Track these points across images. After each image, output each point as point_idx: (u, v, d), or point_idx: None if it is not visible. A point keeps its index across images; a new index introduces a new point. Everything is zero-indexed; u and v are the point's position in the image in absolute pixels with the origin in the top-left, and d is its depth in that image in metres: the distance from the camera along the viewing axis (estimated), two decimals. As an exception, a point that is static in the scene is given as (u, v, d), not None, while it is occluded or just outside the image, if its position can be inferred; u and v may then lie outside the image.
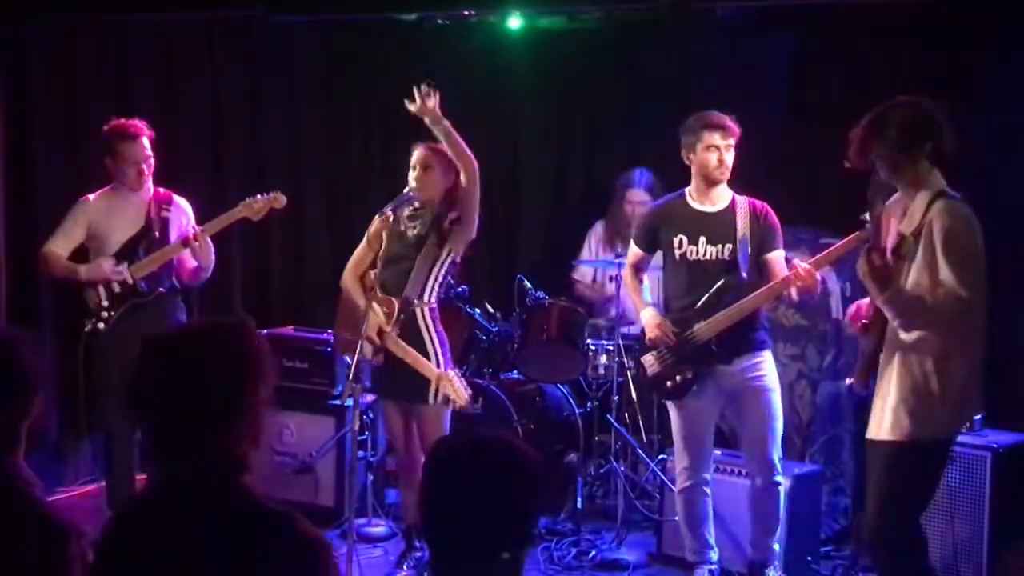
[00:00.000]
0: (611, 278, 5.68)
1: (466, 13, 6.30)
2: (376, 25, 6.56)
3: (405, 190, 4.60)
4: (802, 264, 4.29)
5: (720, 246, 4.51)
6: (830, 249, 4.33)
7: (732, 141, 4.49)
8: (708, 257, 4.52)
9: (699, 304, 4.48)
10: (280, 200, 5.18)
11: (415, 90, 4.35)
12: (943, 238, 3.54)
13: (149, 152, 5.14)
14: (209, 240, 5.10)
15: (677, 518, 4.74)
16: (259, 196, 5.16)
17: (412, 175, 4.60)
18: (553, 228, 6.63)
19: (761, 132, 5.88)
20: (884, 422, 3.67)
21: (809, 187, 5.71)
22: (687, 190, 4.62)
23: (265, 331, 5.84)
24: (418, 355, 4.54)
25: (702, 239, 4.52)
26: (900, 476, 3.68)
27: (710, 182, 4.53)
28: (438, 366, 4.56)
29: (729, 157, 4.50)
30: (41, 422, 2.49)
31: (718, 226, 4.53)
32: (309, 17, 6.43)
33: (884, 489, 3.69)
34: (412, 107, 4.37)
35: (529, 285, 5.62)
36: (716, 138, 4.47)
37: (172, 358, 2.10)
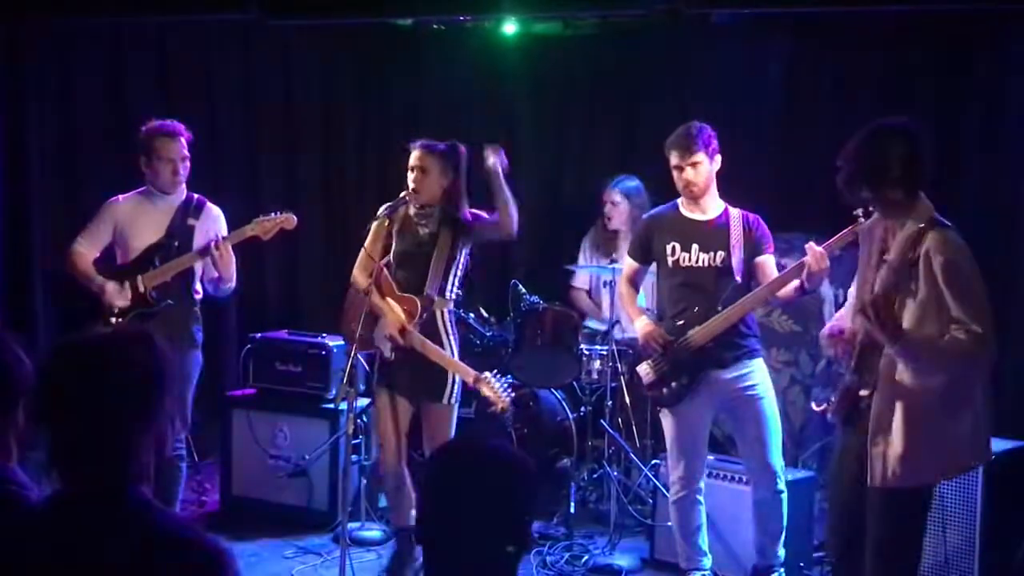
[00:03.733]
0: (605, 283, 5.69)
1: (462, 18, 6.32)
2: (372, 30, 6.57)
3: (403, 193, 4.59)
4: (816, 246, 4.18)
5: (712, 253, 4.51)
6: (827, 244, 4.33)
7: (698, 157, 4.44)
8: (701, 264, 4.52)
9: (694, 311, 4.49)
10: (291, 221, 5.06)
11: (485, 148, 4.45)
12: (949, 274, 3.33)
13: (186, 152, 5.01)
14: (231, 250, 4.97)
15: (670, 524, 4.75)
16: (273, 215, 5.05)
17: (410, 176, 4.58)
18: (548, 233, 6.63)
19: (755, 137, 5.93)
20: (890, 469, 3.41)
21: (803, 192, 5.72)
22: (679, 200, 4.63)
23: (260, 335, 5.85)
24: (445, 353, 4.51)
25: (695, 246, 4.52)
26: (904, 524, 3.49)
27: (687, 198, 4.55)
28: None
29: (695, 174, 4.46)
30: (31, 426, 2.45)
31: (711, 234, 4.53)
32: (305, 22, 6.44)
33: (889, 541, 3.47)
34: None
35: (523, 290, 5.63)
36: (674, 158, 4.48)
37: (80, 367, 2.06)
